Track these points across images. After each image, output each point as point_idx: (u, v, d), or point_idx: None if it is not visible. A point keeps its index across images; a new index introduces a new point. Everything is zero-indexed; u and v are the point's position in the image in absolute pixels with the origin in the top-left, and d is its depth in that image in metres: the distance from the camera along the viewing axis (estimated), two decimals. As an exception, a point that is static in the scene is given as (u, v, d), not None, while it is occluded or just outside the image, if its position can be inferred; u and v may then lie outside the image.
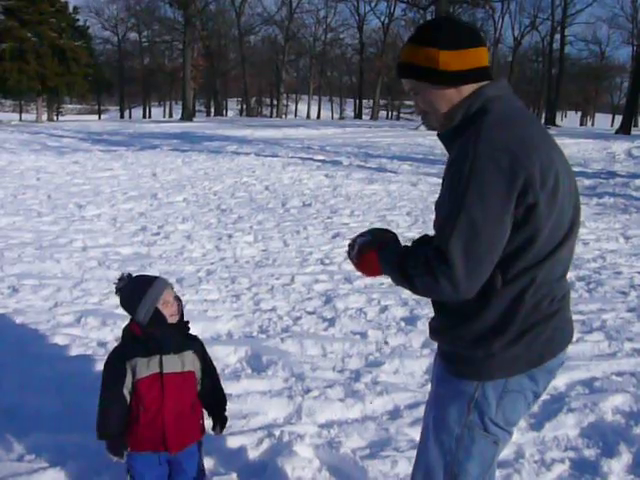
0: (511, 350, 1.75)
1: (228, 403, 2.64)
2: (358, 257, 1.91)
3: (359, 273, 1.99)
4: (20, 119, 47.56)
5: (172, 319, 2.41)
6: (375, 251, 1.85)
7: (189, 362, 2.46)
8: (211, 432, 2.63)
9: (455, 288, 1.64)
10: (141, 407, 2.37)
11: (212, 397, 2.59)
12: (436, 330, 1.93)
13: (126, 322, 2.50)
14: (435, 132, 1.86)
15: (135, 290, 2.39)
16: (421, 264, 1.68)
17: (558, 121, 49.76)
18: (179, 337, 2.47)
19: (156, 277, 2.48)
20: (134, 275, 2.49)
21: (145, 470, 2.42)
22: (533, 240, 1.67)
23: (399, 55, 1.83)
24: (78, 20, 45.15)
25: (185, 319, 2.51)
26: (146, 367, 2.36)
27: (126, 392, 2.36)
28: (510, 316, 1.73)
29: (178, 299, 2.47)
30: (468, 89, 1.75)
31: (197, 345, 2.54)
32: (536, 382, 1.83)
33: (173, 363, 2.40)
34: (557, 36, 50.20)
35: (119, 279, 2.45)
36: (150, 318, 2.36)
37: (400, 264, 1.75)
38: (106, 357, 2.46)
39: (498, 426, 1.84)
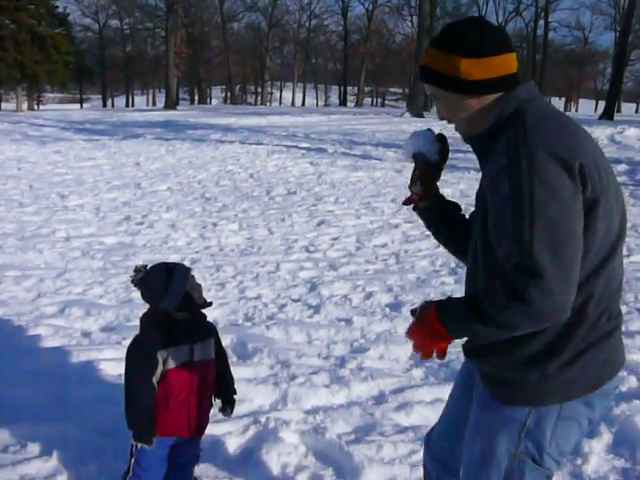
0: (567, 372, 1.60)
1: (213, 391, 2.65)
2: (420, 318, 1.67)
3: (419, 352, 1.73)
4: None
5: (200, 301, 2.46)
6: (434, 308, 1.62)
7: (212, 349, 2.55)
8: (219, 414, 2.70)
9: (553, 301, 1.43)
10: (170, 395, 2.40)
11: (224, 380, 2.66)
12: (480, 353, 1.72)
13: (143, 311, 2.52)
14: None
15: (159, 278, 2.40)
16: (501, 296, 1.47)
17: (542, 107, 49.90)
18: (204, 322, 2.55)
19: (175, 263, 2.52)
20: (150, 265, 2.48)
21: (152, 452, 2.44)
22: (588, 246, 1.52)
23: (422, 57, 1.74)
24: (57, 7, 44.57)
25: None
26: (177, 356, 2.40)
27: (155, 381, 2.38)
28: (569, 333, 1.58)
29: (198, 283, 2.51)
30: (492, 97, 1.64)
31: (214, 331, 2.64)
32: (592, 407, 1.67)
33: (201, 351, 2.47)
34: (541, 22, 50.30)
35: (136, 271, 2.44)
36: (180, 302, 2.38)
37: (470, 309, 1.54)
38: (130, 347, 2.44)
39: (552, 457, 1.68)
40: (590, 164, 1.52)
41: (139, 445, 2.37)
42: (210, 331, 2.59)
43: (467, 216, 1.96)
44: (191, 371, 2.43)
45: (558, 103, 74.23)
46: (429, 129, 1.93)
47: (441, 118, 1.79)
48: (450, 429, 1.99)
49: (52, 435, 3.03)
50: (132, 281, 2.45)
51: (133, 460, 2.45)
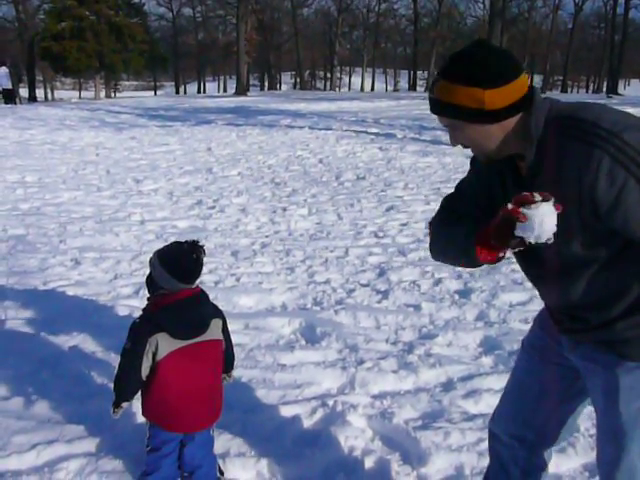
0: None
1: (282, 373, 2.68)
2: None
3: None
4: (79, 97, 48.68)
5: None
6: None
7: (217, 330, 2.62)
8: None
9: None
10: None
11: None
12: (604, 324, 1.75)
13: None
14: None
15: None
16: None
17: (620, 89, 47.95)
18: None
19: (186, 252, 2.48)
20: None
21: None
22: None
23: (431, 89, 1.69)
24: (134, -3, 45.62)
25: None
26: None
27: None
28: None
29: None
30: (512, 120, 1.64)
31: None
32: None
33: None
34: (621, 0, 48.15)
35: (197, 245, 2.45)
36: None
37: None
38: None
39: None
40: None
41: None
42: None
43: None
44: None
45: (638, 85, 71.15)
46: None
47: (454, 145, 1.76)
48: (518, 407, 2.06)
49: (127, 409, 3.15)
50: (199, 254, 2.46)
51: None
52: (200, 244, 2.45)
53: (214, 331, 2.51)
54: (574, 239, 1.64)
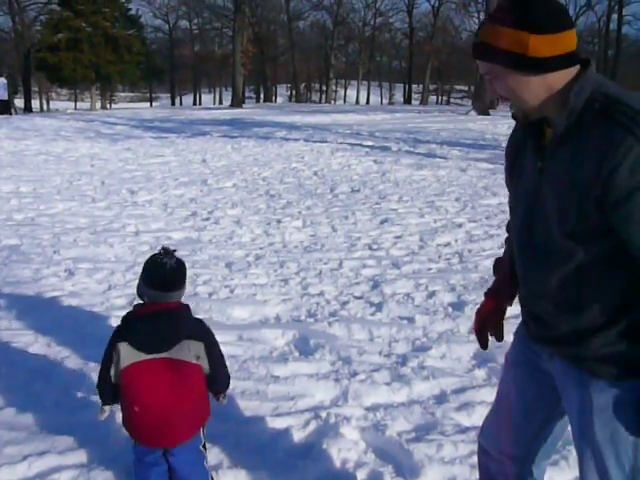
0: None
1: (276, 385, 2.68)
2: None
3: None
4: (75, 107, 48.75)
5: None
6: None
7: (190, 352, 2.58)
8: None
9: None
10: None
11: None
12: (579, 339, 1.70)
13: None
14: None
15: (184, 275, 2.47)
16: None
17: (614, 104, 48.25)
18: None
19: (166, 263, 2.49)
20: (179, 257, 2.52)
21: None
22: None
23: (476, 34, 1.65)
24: (130, 9, 45.82)
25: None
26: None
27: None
28: None
29: None
30: (558, 76, 1.59)
31: (203, 334, 2.63)
32: None
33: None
34: (614, 16, 48.62)
35: (168, 252, 2.47)
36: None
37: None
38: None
39: None
40: None
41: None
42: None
43: None
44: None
45: (632, 100, 71.69)
46: None
47: (497, 98, 1.72)
48: (506, 424, 2.02)
49: (120, 420, 3.14)
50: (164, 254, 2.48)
51: None
52: (173, 251, 2.47)
53: (184, 353, 2.41)
54: (563, 225, 1.60)
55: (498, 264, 2.04)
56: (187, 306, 2.53)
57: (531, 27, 1.54)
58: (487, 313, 2.05)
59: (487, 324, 2.06)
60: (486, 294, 2.09)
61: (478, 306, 2.09)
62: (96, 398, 3.34)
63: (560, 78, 1.60)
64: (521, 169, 1.77)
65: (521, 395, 1.97)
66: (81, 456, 2.92)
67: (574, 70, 1.61)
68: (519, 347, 2.00)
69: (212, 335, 2.55)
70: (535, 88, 1.60)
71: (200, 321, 2.59)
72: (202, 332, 2.51)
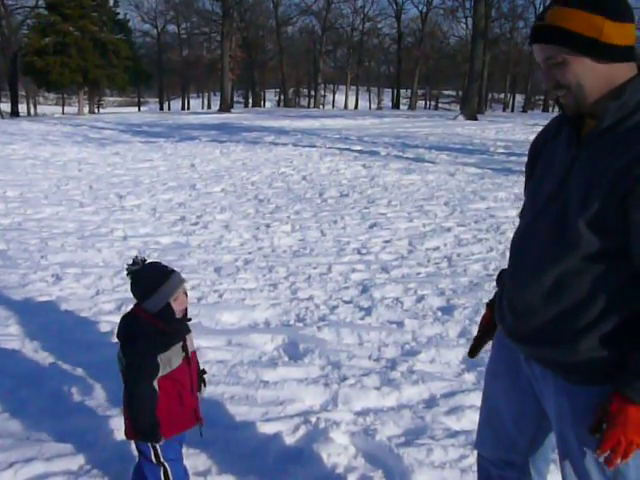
0: None
1: (265, 390, 2.67)
2: (618, 421, 1.57)
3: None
4: (63, 112, 48.54)
5: (180, 314, 2.43)
6: (620, 398, 1.56)
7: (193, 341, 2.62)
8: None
9: None
10: (181, 390, 2.45)
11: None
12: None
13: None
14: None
15: (151, 280, 2.39)
16: None
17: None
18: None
19: (173, 270, 2.45)
20: (149, 261, 2.47)
21: (177, 455, 2.51)
22: None
23: (540, 16, 1.59)
24: (118, 14, 45.83)
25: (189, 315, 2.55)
26: (179, 354, 2.44)
27: (156, 385, 2.37)
28: None
29: (186, 294, 2.49)
30: (619, 68, 1.56)
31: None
32: None
33: (190, 340, 2.54)
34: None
35: (133, 262, 2.43)
36: (159, 311, 2.37)
37: None
38: (131, 354, 2.38)
39: None
40: None
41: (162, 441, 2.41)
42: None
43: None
44: (189, 364, 2.49)
45: None
46: None
47: (553, 87, 1.63)
48: (499, 433, 2.01)
49: (108, 426, 3.12)
50: (127, 271, 2.43)
51: (155, 454, 2.44)
52: (136, 259, 2.43)
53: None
54: (583, 213, 1.58)
55: (501, 276, 2.04)
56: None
57: (607, 12, 1.52)
58: (487, 323, 2.09)
59: (487, 333, 2.10)
60: (488, 305, 2.11)
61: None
62: (85, 404, 3.34)
63: (623, 71, 1.58)
64: (549, 158, 1.75)
65: (508, 407, 1.96)
66: (69, 463, 2.89)
67: (634, 67, 1.60)
68: (497, 357, 2.01)
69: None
70: (598, 76, 1.57)
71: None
72: (125, 341, 2.50)
